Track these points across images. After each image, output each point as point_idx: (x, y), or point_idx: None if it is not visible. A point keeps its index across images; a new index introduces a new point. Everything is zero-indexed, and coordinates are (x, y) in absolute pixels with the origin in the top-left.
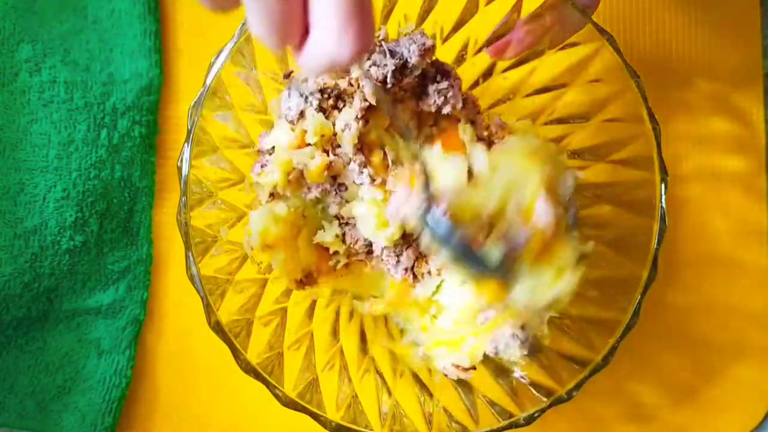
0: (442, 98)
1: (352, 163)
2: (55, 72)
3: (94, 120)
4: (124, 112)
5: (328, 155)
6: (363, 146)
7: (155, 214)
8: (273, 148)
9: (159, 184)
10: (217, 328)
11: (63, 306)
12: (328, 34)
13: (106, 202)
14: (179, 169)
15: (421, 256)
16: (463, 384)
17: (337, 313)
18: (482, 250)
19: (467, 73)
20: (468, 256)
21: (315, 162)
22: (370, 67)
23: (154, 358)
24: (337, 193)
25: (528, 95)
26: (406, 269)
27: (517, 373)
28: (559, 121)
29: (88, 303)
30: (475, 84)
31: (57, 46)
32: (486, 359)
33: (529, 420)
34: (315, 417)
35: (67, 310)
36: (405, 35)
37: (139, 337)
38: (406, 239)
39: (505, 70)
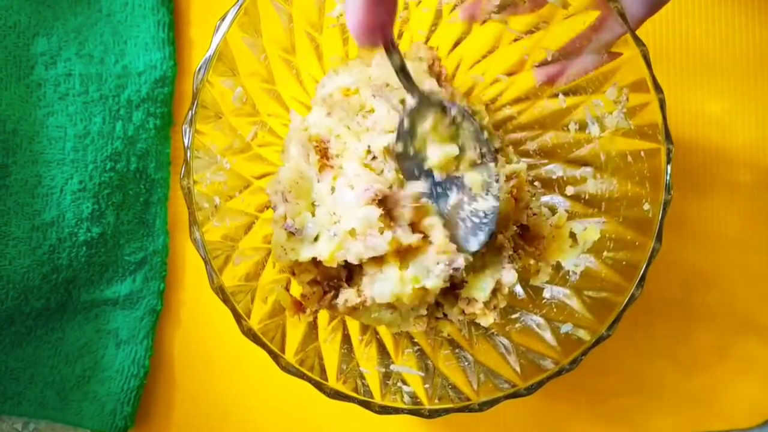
0: None
1: None
2: (71, 65)
3: (110, 112)
4: (139, 104)
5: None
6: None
7: (171, 206)
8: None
9: (174, 176)
10: (220, 291)
11: (81, 297)
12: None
13: (122, 194)
14: (183, 132)
15: None
16: (464, 354)
17: None
18: None
19: (476, 44)
20: None
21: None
22: None
23: (171, 348)
24: None
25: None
26: None
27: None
28: (565, 92)
29: (106, 294)
30: (485, 55)
31: (72, 39)
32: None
33: (531, 390)
34: (317, 385)
35: (85, 301)
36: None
37: (156, 327)
38: None
39: (516, 40)
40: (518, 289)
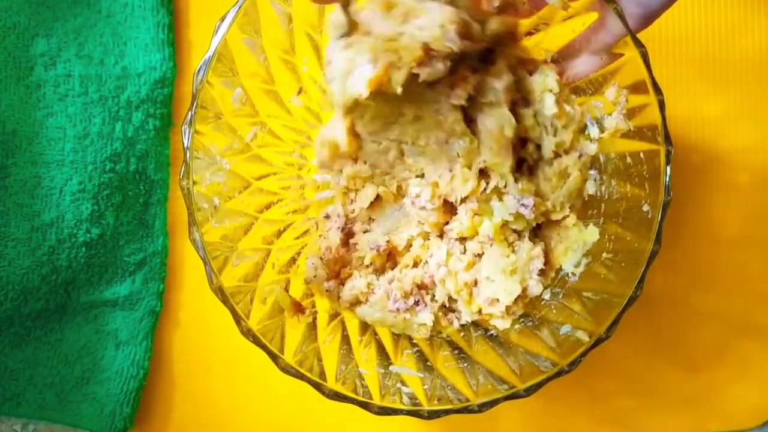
0: None
1: None
2: (70, 66)
3: (109, 113)
4: (139, 105)
5: None
6: None
7: (170, 207)
8: None
9: (174, 177)
10: (219, 291)
11: (81, 298)
12: None
13: (121, 195)
14: (183, 132)
15: None
16: (463, 355)
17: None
18: None
19: None
20: None
21: None
22: None
23: (170, 349)
24: None
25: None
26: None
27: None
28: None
29: (105, 295)
30: None
31: (71, 39)
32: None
33: (530, 391)
34: (316, 386)
35: (84, 302)
36: None
37: (155, 328)
38: None
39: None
40: None
